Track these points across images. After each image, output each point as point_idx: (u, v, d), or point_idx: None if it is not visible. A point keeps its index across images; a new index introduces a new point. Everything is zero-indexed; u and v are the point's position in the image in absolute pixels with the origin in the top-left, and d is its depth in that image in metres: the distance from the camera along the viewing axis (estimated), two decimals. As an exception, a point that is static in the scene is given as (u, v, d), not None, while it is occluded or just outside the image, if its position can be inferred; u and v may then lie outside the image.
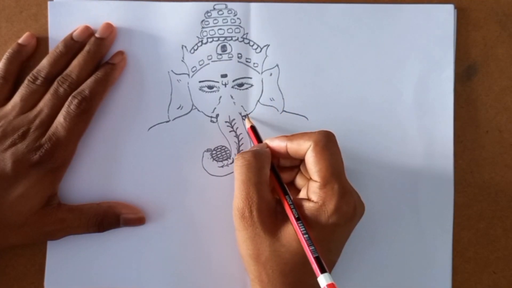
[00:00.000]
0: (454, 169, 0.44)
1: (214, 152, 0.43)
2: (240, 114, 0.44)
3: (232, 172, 0.43)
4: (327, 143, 0.37)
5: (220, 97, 0.44)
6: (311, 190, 0.37)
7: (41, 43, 0.44)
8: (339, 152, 0.38)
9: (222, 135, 0.44)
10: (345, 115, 0.44)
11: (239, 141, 0.44)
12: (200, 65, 0.44)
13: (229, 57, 0.44)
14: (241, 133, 0.44)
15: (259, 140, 0.41)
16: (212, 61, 0.44)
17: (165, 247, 0.43)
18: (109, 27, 0.43)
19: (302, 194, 0.39)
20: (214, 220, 0.43)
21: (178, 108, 0.44)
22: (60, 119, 0.40)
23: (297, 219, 0.36)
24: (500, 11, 0.45)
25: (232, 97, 0.44)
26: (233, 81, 0.44)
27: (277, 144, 0.39)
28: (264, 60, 0.44)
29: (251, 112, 0.44)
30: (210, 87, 0.44)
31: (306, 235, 0.35)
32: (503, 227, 0.44)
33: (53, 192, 0.41)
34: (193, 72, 0.44)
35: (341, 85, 0.44)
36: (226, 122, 0.43)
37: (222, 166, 0.43)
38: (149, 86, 0.44)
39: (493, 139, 0.44)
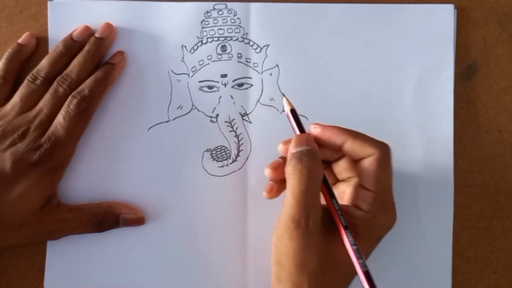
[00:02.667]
0: (454, 169, 0.44)
1: (214, 152, 0.43)
2: (240, 114, 0.44)
3: (232, 172, 0.43)
4: (389, 157, 0.37)
5: (220, 97, 0.44)
6: (362, 198, 0.36)
7: (41, 43, 0.44)
8: (392, 168, 0.37)
9: (222, 135, 0.43)
10: (345, 115, 0.44)
11: (239, 141, 0.44)
12: (200, 65, 0.44)
13: (229, 57, 0.44)
14: (241, 133, 0.44)
15: (301, 128, 0.38)
16: (212, 61, 0.44)
17: (164, 247, 0.43)
18: (109, 27, 0.43)
19: (344, 189, 0.38)
20: (214, 220, 0.43)
21: (178, 108, 0.44)
22: (59, 118, 0.40)
23: (345, 228, 0.35)
24: (500, 11, 0.45)
25: (232, 97, 0.44)
26: (233, 81, 0.44)
27: (331, 136, 0.37)
28: (264, 60, 0.44)
29: (251, 112, 0.44)
30: (210, 87, 0.44)
31: (355, 247, 0.34)
32: (503, 227, 0.44)
33: (53, 192, 0.41)
34: (193, 72, 0.44)
35: (341, 85, 0.44)
36: (226, 122, 0.43)
37: (222, 166, 0.43)
38: (149, 86, 0.44)
39: (493, 139, 0.44)
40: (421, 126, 0.44)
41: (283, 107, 0.43)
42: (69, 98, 0.40)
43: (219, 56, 0.44)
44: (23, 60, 0.43)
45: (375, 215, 0.36)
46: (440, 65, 0.44)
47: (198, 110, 0.44)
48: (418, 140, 0.44)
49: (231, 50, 0.44)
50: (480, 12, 0.45)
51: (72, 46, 0.42)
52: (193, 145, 0.43)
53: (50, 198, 0.41)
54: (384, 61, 0.44)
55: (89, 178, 0.43)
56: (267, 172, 0.38)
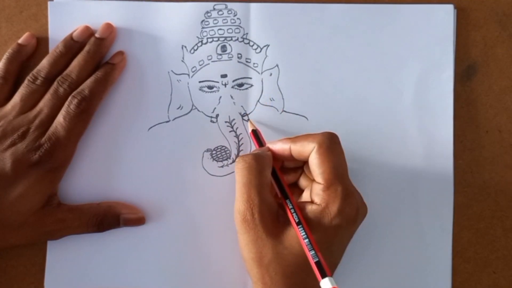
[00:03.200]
0: (454, 169, 0.44)
1: (214, 152, 0.43)
2: (240, 114, 0.44)
3: (232, 172, 0.43)
4: (331, 145, 0.37)
5: (220, 97, 0.44)
6: (314, 192, 0.37)
7: (41, 43, 0.44)
8: (343, 154, 0.38)
9: (222, 135, 0.43)
10: (345, 115, 0.44)
11: (239, 141, 0.44)
12: (200, 65, 0.44)
13: (229, 57, 0.44)
14: (241, 133, 0.44)
15: (260, 144, 0.41)
16: (212, 61, 0.44)
17: (165, 247, 0.43)
18: (109, 27, 0.43)
19: (305, 196, 0.39)
20: (214, 220, 0.43)
21: (178, 108, 0.44)
22: (59, 119, 0.40)
23: (298, 223, 0.36)
24: (500, 11, 0.45)
25: (232, 97, 0.44)
26: (233, 81, 0.44)
27: (280, 146, 0.39)
28: (264, 60, 0.44)
29: (251, 112, 0.44)
30: (210, 87, 0.44)
31: (307, 240, 0.35)
32: (503, 227, 0.44)
33: (53, 192, 0.41)
34: (193, 72, 0.44)
35: (341, 85, 0.44)
36: (226, 122, 0.43)
37: (222, 166, 0.43)
38: (149, 86, 0.44)
39: (493, 139, 0.44)
40: (421, 126, 0.44)
41: (283, 107, 0.43)
42: (69, 98, 0.40)
43: (219, 56, 0.44)
44: (23, 60, 0.43)
45: (327, 205, 0.36)
46: (440, 65, 0.44)
47: (198, 110, 0.44)
48: (418, 140, 0.44)
49: (231, 50, 0.44)
50: (480, 12, 0.45)
51: (72, 46, 0.42)
52: (193, 145, 0.43)
53: (50, 198, 0.41)
54: (384, 61, 0.44)
55: (89, 178, 0.43)
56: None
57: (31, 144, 0.39)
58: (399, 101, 0.44)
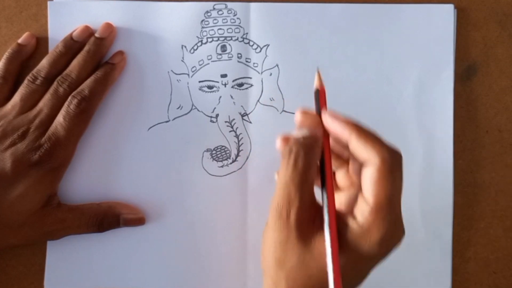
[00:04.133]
0: (454, 169, 0.44)
1: (214, 152, 0.43)
2: (240, 114, 0.44)
3: (232, 172, 0.43)
4: (395, 167, 0.32)
5: (220, 97, 0.44)
6: (359, 209, 0.33)
7: (41, 43, 0.44)
8: (402, 179, 0.33)
9: (222, 135, 0.43)
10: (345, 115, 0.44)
11: (239, 141, 0.44)
12: (200, 65, 0.44)
13: (229, 57, 0.44)
14: (241, 133, 0.44)
15: (325, 108, 0.35)
16: (212, 61, 0.44)
17: (165, 247, 0.43)
18: (109, 27, 0.43)
19: (344, 201, 0.35)
20: (214, 220, 0.43)
21: (178, 108, 0.44)
22: (59, 119, 0.40)
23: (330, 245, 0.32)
24: (500, 11, 0.45)
25: (232, 97, 0.44)
26: (233, 81, 0.44)
27: (337, 127, 0.34)
28: (264, 60, 0.44)
29: (251, 112, 0.44)
30: (210, 87, 0.44)
31: (330, 257, 0.32)
32: (503, 227, 0.44)
33: (53, 192, 0.41)
34: (193, 72, 0.44)
35: (341, 85, 0.44)
36: (226, 122, 0.43)
37: (222, 166, 0.43)
38: (149, 86, 0.44)
39: (493, 139, 0.44)
40: (421, 126, 0.44)
41: (283, 107, 0.43)
42: (69, 98, 0.40)
43: (219, 56, 0.44)
44: (23, 60, 0.43)
45: (369, 230, 0.32)
46: (440, 65, 0.44)
47: (198, 110, 0.44)
48: (418, 140, 0.44)
49: (231, 50, 0.44)
50: (480, 12, 0.45)
51: (72, 46, 0.42)
52: (193, 145, 0.43)
53: (50, 198, 0.41)
54: (384, 61, 0.44)
55: (89, 178, 0.43)
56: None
57: (31, 144, 0.39)
58: (399, 101, 0.44)
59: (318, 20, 0.44)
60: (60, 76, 0.41)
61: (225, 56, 0.44)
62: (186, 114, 0.44)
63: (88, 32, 0.43)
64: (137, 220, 0.42)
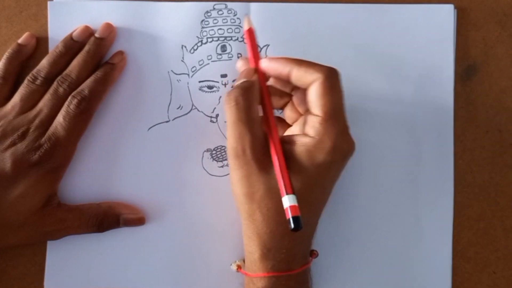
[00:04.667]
0: (454, 169, 0.44)
1: (214, 152, 0.43)
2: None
3: (232, 172, 0.43)
4: (336, 79, 0.37)
5: (220, 97, 0.44)
6: (309, 125, 0.36)
7: (41, 43, 0.44)
8: (342, 91, 0.37)
9: (222, 135, 0.43)
10: (345, 115, 0.44)
11: (239, 141, 0.43)
12: (200, 65, 0.44)
13: (229, 57, 0.44)
14: (241, 133, 0.44)
15: (256, 50, 0.40)
16: (212, 61, 0.44)
17: (165, 247, 0.43)
18: (109, 27, 0.43)
19: (295, 130, 0.39)
20: (214, 220, 0.43)
21: (178, 108, 0.44)
22: (59, 119, 0.40)
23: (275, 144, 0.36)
24: (500, 11, 0.45)
25: (232, 97, 0.44)
26: (233, 81, 0.44)
27: (279, 67, 0.38)
28: (264, 60, 0.44)
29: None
30: (210, 87, 0.44)
31: (277, 162, 0.35)
32: (503, 227, 0.44)
33: (53, 192, 0.41)
34: (193, 72, 0.44)
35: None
36: (226, 122, 0.43)
37: (222, 166, 0.43)
38: (149, 86, 0.44)
39: (493, 139, 0.44)
40: (421, 126, 0.44)
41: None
42: (69, 98, 0.40)
43: (219, 56, 0.44)
44: (23, 60, 0.43)
45: (321, 139, 0.36)
46: (440, 65, 0.44)
47: (198, 110, 0.44)
48: (418, 140, 0.44)
49: (231, 50, 0.44)
50: (480, 12, 0.45)
51: (72, 46, 0.42)
52: (193, 145, 0.43)
53: (50, 198, 0.41)
54: (384, 61, 0.44)
55: (89, 178, 0.43)
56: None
57: (31, 144, 0.39)
58: (399, 101, 0.44)
59: (318, 20, 0.44)
60: (60, 76, 0.41)
61: (225, 56, 0.44)
62: (186, 114, 0.44)
63: (88, 32, 0.43)
64: (137, 220, 0.42)
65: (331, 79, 0.36)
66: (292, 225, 0.33)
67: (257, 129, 0.37)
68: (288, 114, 0.40)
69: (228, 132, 0.37)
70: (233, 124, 0.37)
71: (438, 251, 0.43)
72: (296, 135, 0.37)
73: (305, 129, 0.37)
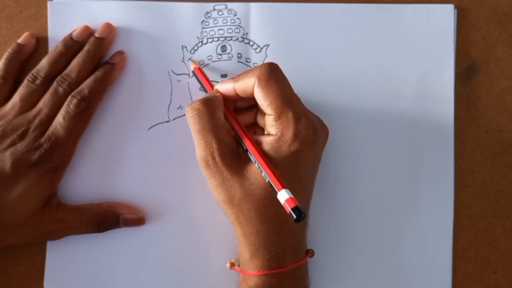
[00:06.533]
0: (454, 169, 0.44)
1: (214, 152, 0.43)
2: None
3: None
4: (271, 74, 0.37)
5: (220, 97, 0.44)
6: (268, 125, 0.37)
7: (41, 43, 0.44)
8: (286, 80, 0.38)
9: (222, 135, 0.43)
10: (345, 115, 0.44)
11: (239, 141, 0.44)
12: (200, 65, 0.44)
13: (229, 57, 0.44)
14: (241, 133, 0.44)
15: (208, 81, 0.41)
16: (212, 61, 0.44)
17: (165, 247, 0.43)
18: (109, 27, 0.43)
19: (265, 132, 0.39)
20: (214, 220, 0.43)
21: (178, 108, 0.44)
22: (59, 118, 0.40)
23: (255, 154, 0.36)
24: (500, 11, 0.45)
25: (232, 97, 0.44)
26: (233, 81, 0.44)
27: (226, 87, 0.39)
28: (264, 60, 0.44)
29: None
30: (210, 87, 0.44)
31: (259, 162, 0.36)
32: (503, 227, 0.44)
33: (53, 192, 0.41)
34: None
35: (341, 85, 0.44)
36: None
37: (222, 166, 0.43)
38: (149, 86, 0.44)
39: (493, 139, 0.44)
40: (421, 126, 0.44)
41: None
42: (69, 98, 0.40)
43: (219, 56, 0.44)
44: (23, 60, 0.43)
45: (282, 134, 0.36)
46: (440, 65, 0.44)
47: (198, 110, 0.44)
48: (418, 140, 0.44)
49: (231, 50, 0.44)
50: (480, 12, 0.45)
51: (72, 46, 0.42)
52: (193, 145, 0.43)
53: (50, 198, 0.41)
54: (384, 61, 0.44)
55: (89, 178, 0.43)
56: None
57: (31, 144, 0.39)
58: (399, 101, 0.44)
59: (318, 20, 0.44)
60: (60, 76, 0.41)
61: (225, 56, 0.44)
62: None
63: (88, 32, 0.43)
64: (137, 220, 0.42)
65: (266, 76, 0.37)
66: (295, 216, 0.33)
67: (223, 135, 0.37)
68: (260, 121, 0.41)
69: (195, 142, 0.38)
70: (198, 133, 0.37)
71: (438, 251, 0.43)
72: (261, 136, 0.38)
73: (267, 129, 0.38)
